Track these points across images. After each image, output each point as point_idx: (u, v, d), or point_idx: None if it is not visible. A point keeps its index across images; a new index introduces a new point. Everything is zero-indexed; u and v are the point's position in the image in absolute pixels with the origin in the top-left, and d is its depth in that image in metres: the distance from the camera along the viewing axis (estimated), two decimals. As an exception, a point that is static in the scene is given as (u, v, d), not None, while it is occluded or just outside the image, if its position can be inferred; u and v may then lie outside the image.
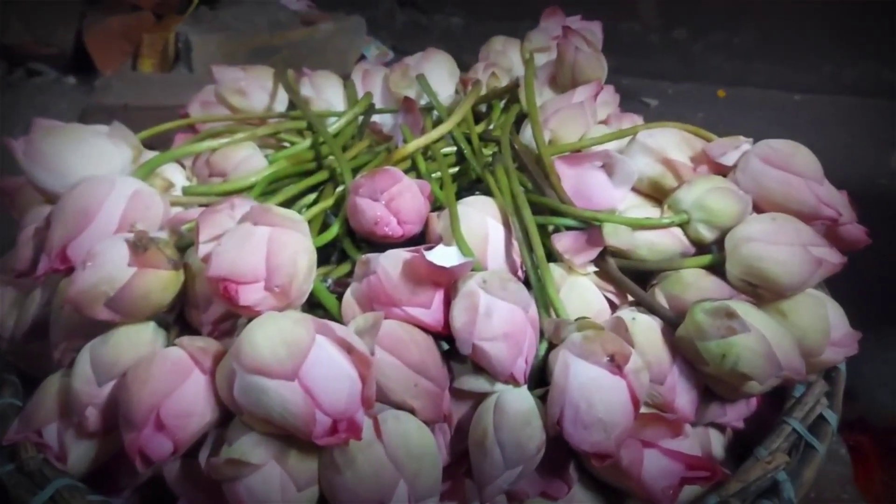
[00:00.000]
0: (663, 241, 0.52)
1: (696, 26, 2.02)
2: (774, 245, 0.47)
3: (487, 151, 0.64)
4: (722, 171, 0.57)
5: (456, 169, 0.63)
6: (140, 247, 0.43)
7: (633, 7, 1.96)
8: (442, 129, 0.61)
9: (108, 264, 0.43)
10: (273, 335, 0.39)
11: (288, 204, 0.57)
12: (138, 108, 1.39)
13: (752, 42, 2.02)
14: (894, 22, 1.90)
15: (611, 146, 0.62)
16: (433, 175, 0.60)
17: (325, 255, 0.55)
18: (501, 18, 2.02)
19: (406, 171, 0.58)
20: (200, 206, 0.55)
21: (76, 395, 0.44)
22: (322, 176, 0.59)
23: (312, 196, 0.59)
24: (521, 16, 1.95)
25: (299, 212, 0.55)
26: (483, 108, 0.74)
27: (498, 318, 0.42)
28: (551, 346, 0.44)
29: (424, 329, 0.45)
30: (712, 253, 0.52)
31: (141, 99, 1.41)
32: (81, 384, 0.44)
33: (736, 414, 0.48)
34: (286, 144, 0.65)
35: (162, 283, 0.44)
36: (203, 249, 0.44)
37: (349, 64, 1.77)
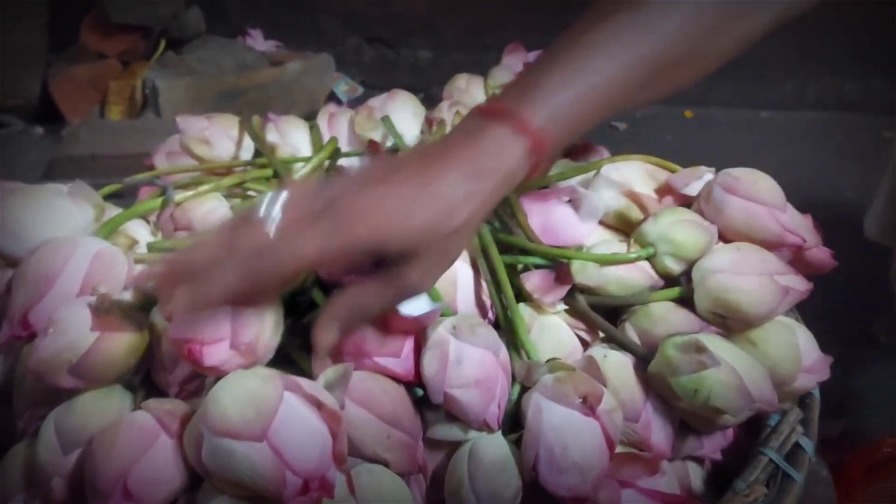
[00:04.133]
0: (632, 276, 0.52)
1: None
2: (740, 276, 0.48)
3: (455, 190, 0.64)
4: (686, 201, 0.57)
5: (424, 209, 0.63)
6: (102, 310, 0.42)
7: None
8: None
9: (70, 330, 0.42)
10: (240, 395, 0.38)
11: (255, 254, 0.56)
12: (107, 157, 1.39)
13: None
14: (853, 38, 1.95)
15: (576, 181, 0.62)
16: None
17: (295, 303, 0.54)
18: (467, 50, 2.04)
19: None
20: (166, 261, 0.55)
21: (42, 465, 0.43)
22: (289, 224, 0.59)
23: (280, 245, 0.59)
24: (486, 47, 1.97)
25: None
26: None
27: (469, 365, 0.42)
28: (524, 389, 0.44)
29: (395, 378, 0.44)
30: (681, 285, 0.52)
31: (109, 147, 1.41)
32: (47, 454, 0.42)
33: (713, 446, 0.48)
34: (253, 193, 0.65)
35: (126, 346, 0.43)
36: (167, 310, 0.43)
37: (319, 101, 1.78)
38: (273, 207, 0.39)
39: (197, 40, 1.83)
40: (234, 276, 0.38)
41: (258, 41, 1.95)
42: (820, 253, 0.56)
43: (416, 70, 2.11)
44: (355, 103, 1.81)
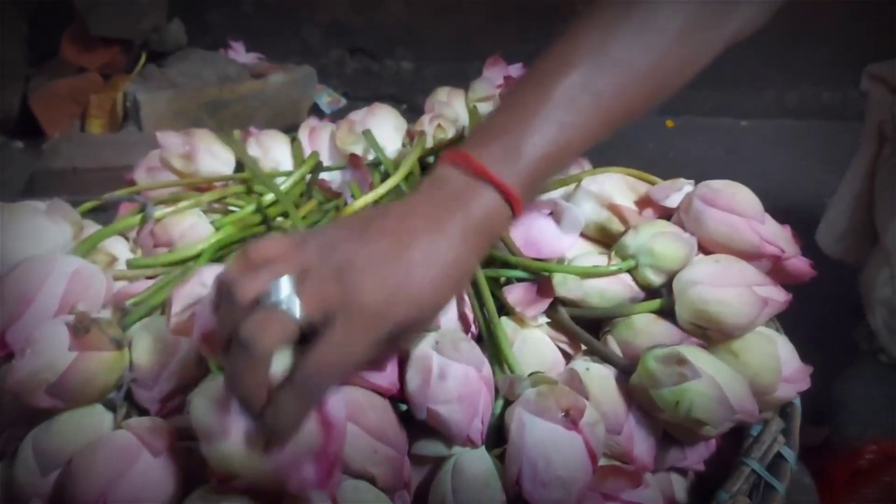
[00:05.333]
0: (613, 288, 0.52)
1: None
2: (720, 287, 0.48)
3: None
4: (666, 213, 0.58)
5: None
6: (81, 329, 0.42)
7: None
8: (388, 184, 0.61)
9: (48, 350, 0.41)
10: None
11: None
12: (88, 171, 1.38)
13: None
14: (828, 47, 1.97)
15: (557, 193, 0.62)
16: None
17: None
18: (450, 60, 2.05)
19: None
20: (147, 278, 0.55)
21: (20, 486, 0.42)
22: (271, 239, 0.59)
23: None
24: (469, 57, 1.98)
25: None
26: (432, 159, 0.74)
27: (452, 380, 0.42)
28: (507, 404, 0.44)
29: (380, 392, 0.44)
30: (662, 296, 0.52)
31: (90, 161, 1.40)
32: (25, 474, 0.42)
33: (696, 457, 0.48)
34: (234, 209, 0.65)
35: (105, 365, 0.43)
36: (175, 321, 0.44)
37: (301, 114, 1.78)
38: (283, 293, 0.35)
39: (178, 53, 1.82)
40: (301, 411, 0.35)
41: (240, 53, 1.94)
42: (799, 263, 0.57)
43: (398, 81, 2.12)
44: (338, 115, 1.81)
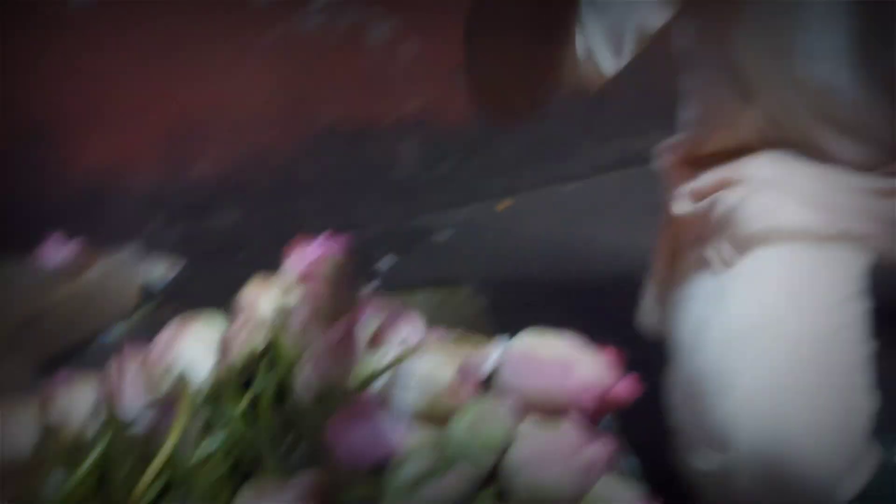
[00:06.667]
0: (451, 486, 0.51)
1: (458, 155, 2.14)
2: (543, 467, 0.48)
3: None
4: (485, 380, 0.58)
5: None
6: None
7: (395, 155, 2.05)
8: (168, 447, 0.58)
9: None
10: None
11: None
12: None
13: (511, 154, 2.17)
14: (624, 98, 2.12)
15: (379, 383, 0.61)
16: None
17: None
18: (279, 204, 2.03)
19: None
20: None
21: None
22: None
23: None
24: (292, 196, 1.99)
25: None
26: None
27: None
28: None
29: None
30: (497, 477, 0.52)
31: None
32: None
33: None
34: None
35: None
36: None
37: (130, 301, 1.70)
38: None
39: (-17, 270, 1.70)
40: None
41: (55, 251, 1.84)
42: (623, 388, 0.58)
43: (227, 234, 2.08)
44: (174, 283, 1.74)
